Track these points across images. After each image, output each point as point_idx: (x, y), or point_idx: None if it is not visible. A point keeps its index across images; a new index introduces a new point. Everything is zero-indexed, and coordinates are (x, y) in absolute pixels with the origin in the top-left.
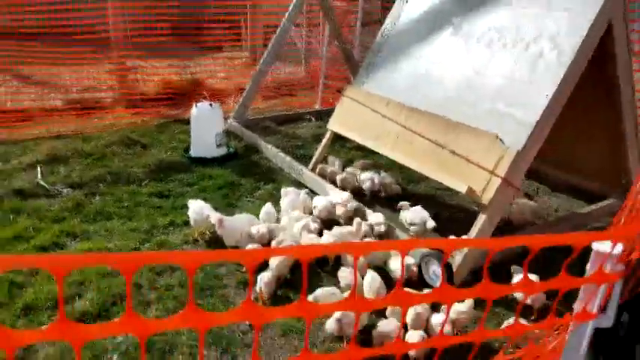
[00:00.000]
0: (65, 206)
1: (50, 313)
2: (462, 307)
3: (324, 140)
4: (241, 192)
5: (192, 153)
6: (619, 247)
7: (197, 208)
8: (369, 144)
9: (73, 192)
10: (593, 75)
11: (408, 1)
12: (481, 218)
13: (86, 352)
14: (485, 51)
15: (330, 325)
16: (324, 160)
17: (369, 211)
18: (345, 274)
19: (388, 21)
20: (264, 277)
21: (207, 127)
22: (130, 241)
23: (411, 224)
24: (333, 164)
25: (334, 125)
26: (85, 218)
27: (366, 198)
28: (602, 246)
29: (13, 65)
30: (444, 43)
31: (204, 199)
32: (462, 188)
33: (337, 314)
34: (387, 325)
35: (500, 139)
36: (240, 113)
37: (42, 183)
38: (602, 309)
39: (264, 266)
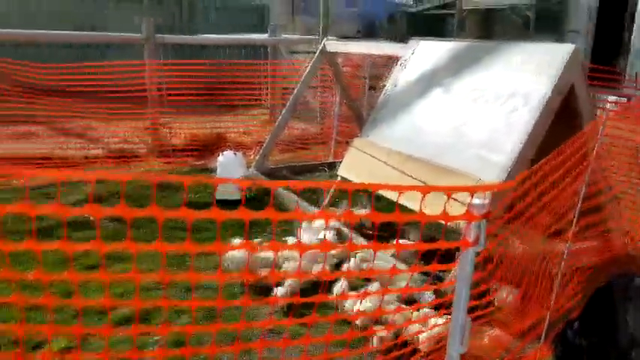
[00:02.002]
0: (108, 235)
1: (100, 316)
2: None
3: (334, 185)
4: (258, 228)
5: (217, 195)
6: (480, 197)
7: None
8: (390, 195)
9: (114, 225)
10: (564, 123)
11: (405, 67)
12: None
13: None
14: (470, 106)
15: None
16: (335, 203)
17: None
18: None
19: (389, 83)
20: (279, 291)
21: (230, 172)
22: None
23: None
24: (344, 207)
25: (343, 171)
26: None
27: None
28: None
29: (59, 119)
30: (437, 100)
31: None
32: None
33: None
34: None
35: (482, 181)
36: (260, 163)
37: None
38: (477, 240)
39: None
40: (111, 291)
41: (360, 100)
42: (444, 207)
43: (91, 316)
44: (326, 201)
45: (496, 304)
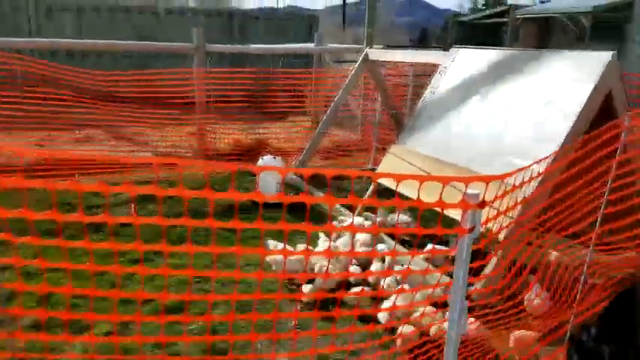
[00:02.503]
0: (154, 232)
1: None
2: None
3: (370, 189)
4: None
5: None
6: (475, 189)
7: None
8: (407, 192)
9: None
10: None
11: (445, 75)
12: (498, 254)
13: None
14: (505, 115)
15: None
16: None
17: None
18: None
19: (427, 91)
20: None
21: (270, 175)
22: (202, 259)
23: None
24: (380, 214)
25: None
26: (169, 242)
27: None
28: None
29: (112, 124)
30: (473, 108)
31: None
32: (482, 228)
33: None
34: None
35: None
36: (299, 166)
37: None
38: (473, 228)
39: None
40: (159, 283)
41: (403, 108)
42: (448, 197)
43: (135, 305)
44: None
45: (526, 306)
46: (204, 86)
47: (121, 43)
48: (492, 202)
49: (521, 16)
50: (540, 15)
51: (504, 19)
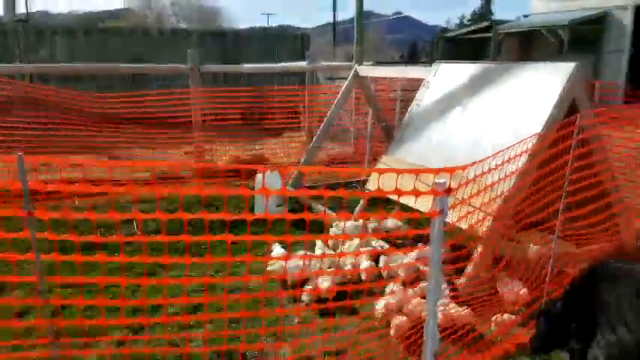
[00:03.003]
0: (157, 247)
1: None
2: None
3: (360, 203)
4: (296, 234)
5: (256, 211)
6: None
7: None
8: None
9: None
10: None
11: (428, 88)
12: (478, 248)
13: None
14: (483, 122)
15: None
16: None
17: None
18: None
19: (413, 104)
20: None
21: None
22: (207, 270)
23: None
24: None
25: (371, 185)
26: (172, 255)
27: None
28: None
29: (111, 145)
30: (455, 118)
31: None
32: (464, 225)
33: None
34: None
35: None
36: (296, 180)
37: (137, 232)
38: (442, 211)
39: None
40: (174, 291)
41: (393, 121)
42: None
43: (148, 312)
44: (355, 212)
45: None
46: (200, 106)
47: (116, 66)
48: (456, 190)
49: (504, 31)
50: (522, 29)
51: (488, 34)
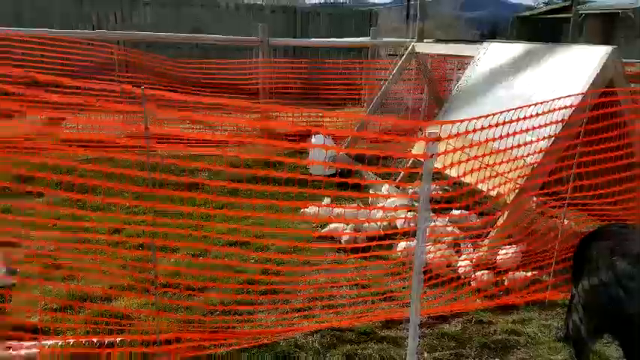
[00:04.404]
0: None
1: None
2: None
3: (407, 164)
4: (343, 199)
5: (311, 172)
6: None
7: None
8: (439, 166)
9: (227, 190)
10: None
11: (477, 65)
12: (504, 214)
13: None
14: (525, 98)
15: None
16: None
17: None
18: None
19: (462, 79)
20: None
21: (321, 151)
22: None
23: None
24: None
25: (415, 151)
26: (236, 206)
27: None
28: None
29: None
30: (497, 95)
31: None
32: (494, 193)
33: None
34: None
35: (526, 162)
36: (348, 147)
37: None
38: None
39: None
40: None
41: (447, 97)
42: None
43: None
44: (399, 177)
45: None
46: (268, 75)
47: (196, 36)
48: (447, 139)
49: (584, 12)
50: (605, 10)
51: (568, 15)
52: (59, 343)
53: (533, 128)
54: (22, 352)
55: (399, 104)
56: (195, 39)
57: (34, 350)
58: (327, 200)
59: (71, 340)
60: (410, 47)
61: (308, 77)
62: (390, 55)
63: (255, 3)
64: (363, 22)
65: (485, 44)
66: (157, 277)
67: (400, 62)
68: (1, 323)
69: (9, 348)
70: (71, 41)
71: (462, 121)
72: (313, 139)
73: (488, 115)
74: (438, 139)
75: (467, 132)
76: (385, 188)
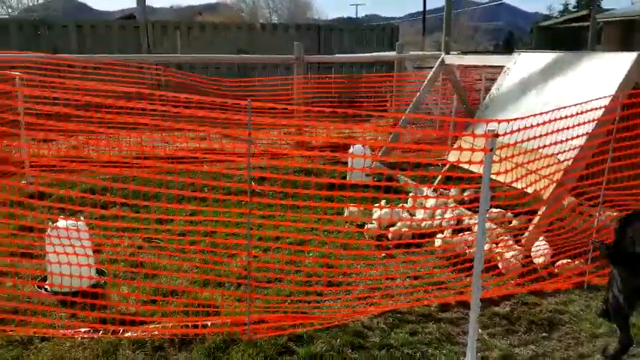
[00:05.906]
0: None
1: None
2: None
3: (443, 169)
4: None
5: (349, 178)
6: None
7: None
8: (474, 168)
9: (275, 194)
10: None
11: (508, 74)
12: (542, 209)
13: None
14: (556, 104)
15: None
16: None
17: None
18: None
19: (494, 88)
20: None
21: (359, 160)
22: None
23: None
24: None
25: (451, 158)
26: (282, 208)
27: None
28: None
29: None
30: (530, 100)
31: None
32: (531, 190)
33: None
34: None
35: (561, 162)
36: (383, 154)
37: (254, 187)
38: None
39: None
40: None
41: (477, 107)
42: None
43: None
44: (436, 181)
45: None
46: (302, 91)
47: (232, 57)
48: (504, 135)
49: (603, 20)
50: (622, 18)
51: (586, 23)
52: (160, 325)
53: (568, 128)
54: (127, 334)
55: (429, 113)
56: (240, 59)
57: (139, 332)
58: (383, 202)
59: (169, 324)
60: (440, 59)
61: (340, 92)
62: (416, 68)
63: (282, 23)
64: (384, 37)
65: (515, 54)
66: (250, 271)
67: (430, 74)
68: (103, 313)
69: (116, 332)
70: (122, 65)
71: (516, 119)
72: (351, 149)
73: (539, 114)
74: (497, 135)
75: (512, 131)
76: (425, 191)
